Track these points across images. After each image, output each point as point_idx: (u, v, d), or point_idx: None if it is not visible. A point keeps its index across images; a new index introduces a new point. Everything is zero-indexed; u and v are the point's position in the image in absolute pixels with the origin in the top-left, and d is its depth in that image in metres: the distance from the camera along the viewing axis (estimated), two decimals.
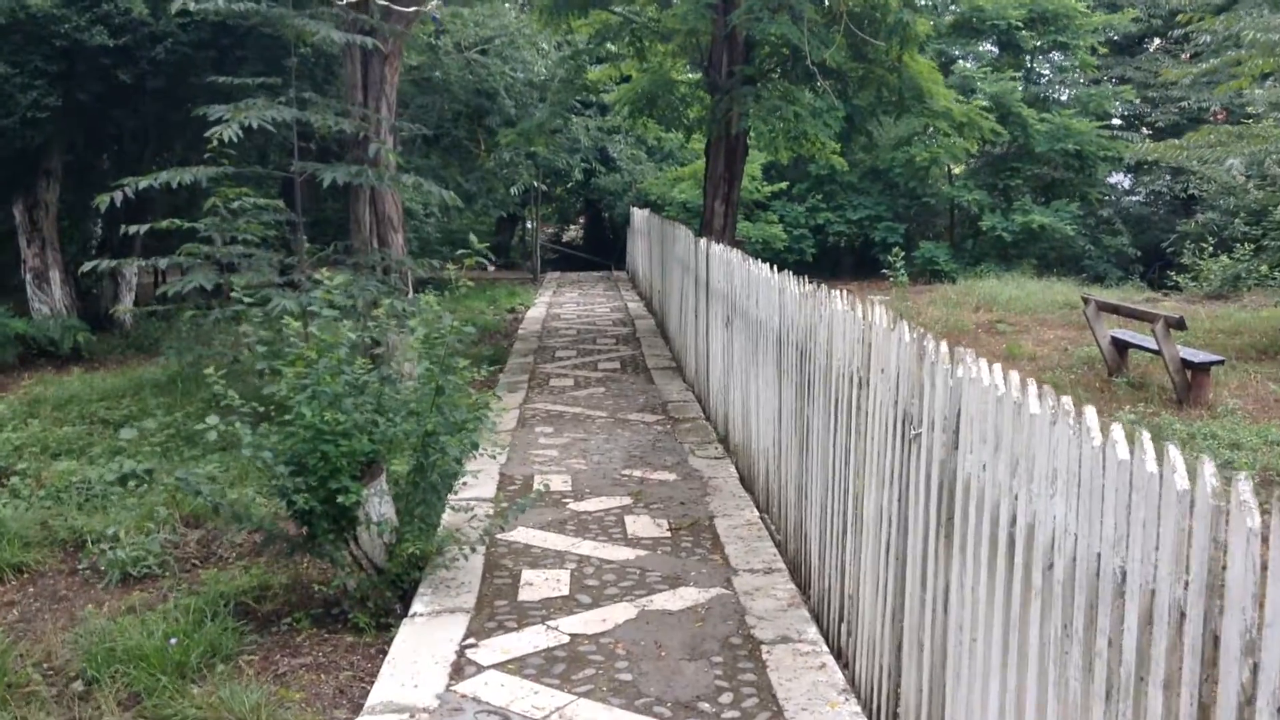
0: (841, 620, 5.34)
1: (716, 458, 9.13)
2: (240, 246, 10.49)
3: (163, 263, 10.38)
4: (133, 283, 19.72)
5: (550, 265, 31.94)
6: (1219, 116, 30.38)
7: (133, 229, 10.60)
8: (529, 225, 32.22)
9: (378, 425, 5.84)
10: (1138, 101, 28.12)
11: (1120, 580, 2.62)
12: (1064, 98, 29.55)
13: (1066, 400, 2.90)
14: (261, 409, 6.23)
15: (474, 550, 6.31)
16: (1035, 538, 3.08)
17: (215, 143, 9.39)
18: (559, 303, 21.66)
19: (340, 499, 5.61)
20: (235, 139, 9.67)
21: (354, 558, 6.06)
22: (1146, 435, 2.52)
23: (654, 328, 17.06)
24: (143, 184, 9.81)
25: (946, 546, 3.82)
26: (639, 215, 23.47)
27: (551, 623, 5.75)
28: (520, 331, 17.14)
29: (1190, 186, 27.17)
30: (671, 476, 8.58)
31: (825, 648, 5.40)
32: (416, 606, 5.94)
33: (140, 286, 21.44)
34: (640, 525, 7.37)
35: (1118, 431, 2.65)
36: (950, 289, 22.23)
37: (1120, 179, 30.99)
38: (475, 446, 6.08)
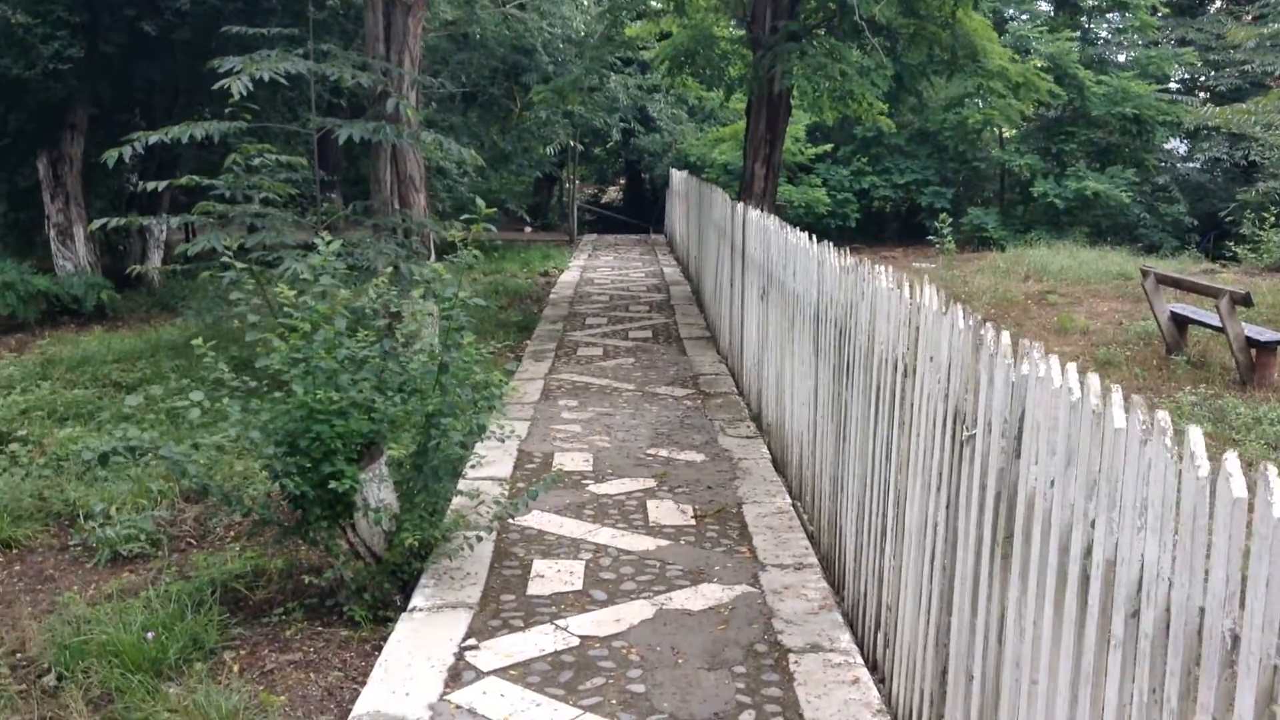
0: (878, 629, 4.83)
1: (748, 437, 8.61)
2: (257, 205, 10.05)
3: (175, 221, 9.94)
4: (161, 240, 19.41)
5: (587, 227, 31.40)
6: (1276, 83, 29.21)
7: (150, 186, 10.18)
8: (566, 186, 31.65)
9: (376, 404, 5.36)
10: (1199, 64, 26.97)
11: (1230, 647, 2.09)
12: (1121, 59, 28.48)
13: (1162, 416, 2.35)
14: (254, 383, 5.79)
15: (480, 539, 5.84)
16: (1117, 577, 2.54)
17: (236, 96, 8.94)
18: (593, 266, 21.14)
19: (334, 484, 5.15)
20: (249, 92, 9.19)
21: (351, 545, 5.61)
22: (1274, 471, 1.97)
23: (689, 295, 16.51)
24: (153, 139, 9.37)
25: (1003, 569, 3.29)
26: (678, 177, 22.85)
27: (561, 622, 5.28)
28: (552, 296, 16.65)
29: (1251, 153, 26.13)
30: (699, 457, 8.08)
31: (859, 658, 4.90)
32: (416, 600, 5.49)
33: (171, 244, 21.19)
34: (663, 511, 6.88)
35: (1232, 462, 2.11)
36: (999, 257, 21.46)
37: (1176, 145, 29.89)
38: (482, 430, 5.60)
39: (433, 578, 5.73)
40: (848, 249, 6.68)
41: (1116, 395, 2.59)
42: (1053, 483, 2.93)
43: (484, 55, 22.48)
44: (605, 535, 6.43)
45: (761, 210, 10.65)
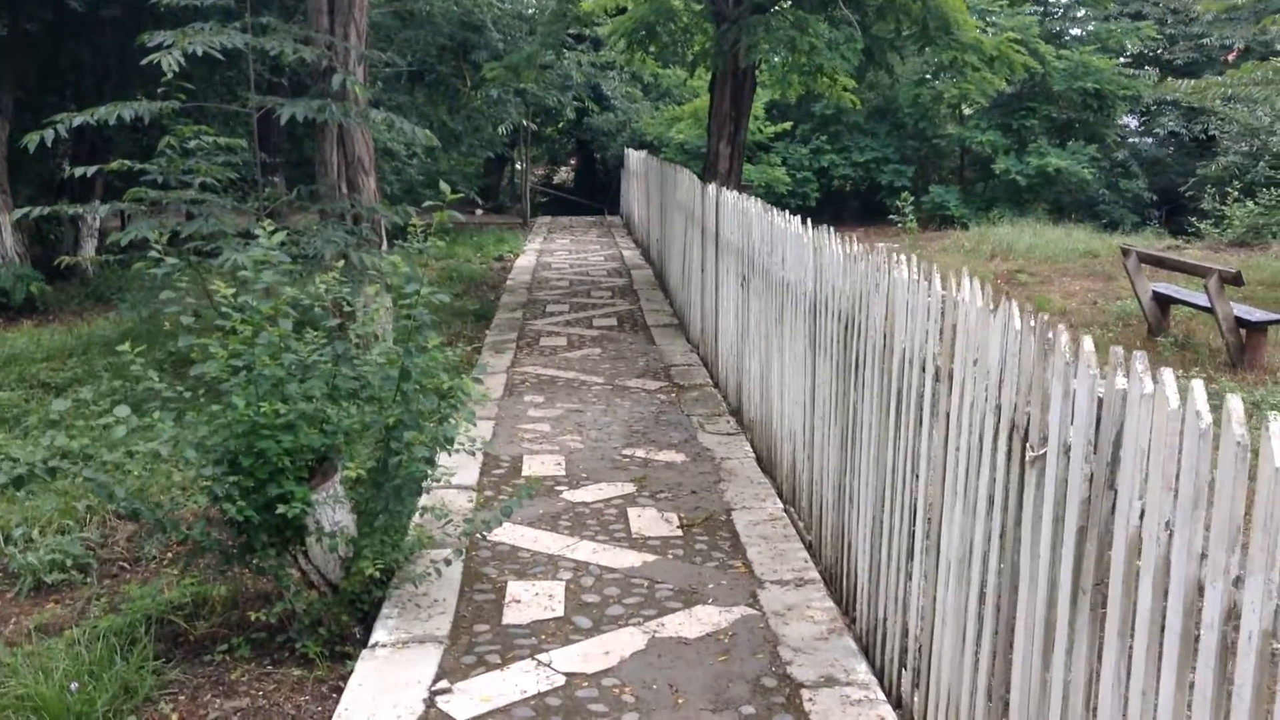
0: (903, 666, 4.30)
1: (729, 434, 8.06)
2: (193, 191, 9.34)
3: (104, 210, 9.18)
4: (95, 228, 18.52)
5: (541, 209, 30.67)
6: (1230, 57, 29.10)
7: (80, 171, 9.41)
8: (519, 167, 30.85)
9: (329, 415, 4.74)
10: (1157, 38, 26.74)
11: None
12: (1077, 33, 28.21)
13: None
14: (189, 393, 5.14)
15: (449, 563, 5.24)
16: None
17: (168, 72, 8.24)
18: (550, 250, 20.48)
19: (281, 509, 4.53)
20: (182, 70, 8.50)
21: (303, 573, 4.99)
22: None
23: (652, 279, 15.92)
24: (78, 121, 8.60)
25: (1094, 622, 2.76)
26: (635, 157, 22.22)
27: (543, 656, 4.70)
28: (509, 282, 15.99)
29: (1210, 127, 25.98)
30: (679, 457, 7.52)
31: (880, 693, 4.37)
32: (379, 634, 4.88)
33: (106, 233, 20.22)
34: (646, 520, 6.31)
35: None
36: (963, 235, 21.12)
37: (1128, 120, 29.71)
38: (449, 443, 4.98)
39: (396, 606, 5.12)
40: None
41: (1275, 426, 2.06)
42: (1167, 524, 2.39)
43: (431, 32, 21.66)
44: (585, 550, 5.86)
45: (728, 190, 10.09)
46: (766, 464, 7.27)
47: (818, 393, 5.72)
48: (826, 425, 5.53)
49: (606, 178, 31.11)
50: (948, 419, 3.81)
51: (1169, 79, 26.85)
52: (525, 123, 25.62)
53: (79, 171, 9.50)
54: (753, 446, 7.71)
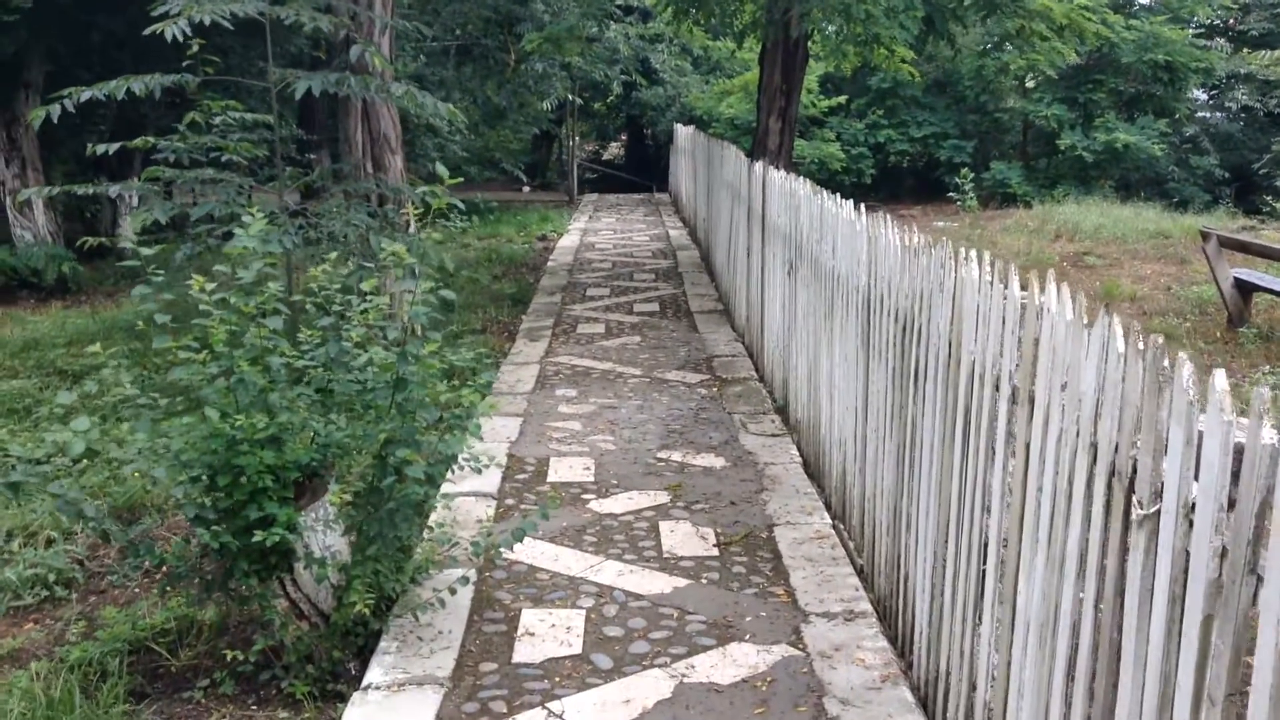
0: None
1: (773, 435, 7.45)
2: (212, 170, 8.89)
3: (115, 189, 8.73)
4: (134, 206, 18.23)
5: (588, 186, 30.06)
6: None
7: (103, 148, 8.97)
8: (566, 143, 30.25)
9: (316, 428, 4.20)
10: (1232, 6, 25.50)
11: None
12: (1145, 1, 26.97)
13: None
14: (171, 399, 4.64)
15: (454, 592, 4.69)
16: None
17: (170, 41, 7.79)
18: (594, 229, 19.89)
19: (259, 536, 4.00)
20: (211, 42, 8.06)
21: (291, 602, 4.48)
22: None
23: (698, 260, 15.28)
24: (85, 95, 8.16)
25: None
26: (683, 133, 21.53)
27: (555, 705, 4.14)
28: (549, 264, 15.43)
29: None
30: (719, 462, 6.92)
31: None
32: (373, 673, 4.35)
33: None
34: (679, 537, 5.73)
35: None
36: (1025, 214, 20.20)
37: (1197, 94, 28.44)
38: (452, 460, 4.42)
39: (396, 639, 4.59)
40: (863, 207, 5.58)
41: None
42: None
43: (476, 4, 21.11)
44: (610, 572, 5.29)
45: (778, 167, 9.44)
46: (814, 470, 6.66)
47: (871, 400, 5.09)
48: (881, 438, 4.90)
49: (656, 154, 30.44)
50: (1027, 451, 3.18)
51: (1244, 50, 25.68)
52: (571, 97, 24.98)
53: (102, 148, 9.07)
54: (799, 450, 7.10)
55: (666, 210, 23.05)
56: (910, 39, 11.57)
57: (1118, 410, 2.62)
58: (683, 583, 5.18)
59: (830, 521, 5.91)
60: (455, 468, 4.63)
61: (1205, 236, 11.26)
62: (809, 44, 13.60)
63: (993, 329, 3.45)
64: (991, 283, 3.50)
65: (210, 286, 4.42)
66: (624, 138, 36.06)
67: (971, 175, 22.21)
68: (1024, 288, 3.27)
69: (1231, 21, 28.01)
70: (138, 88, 8.21)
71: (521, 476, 6.65)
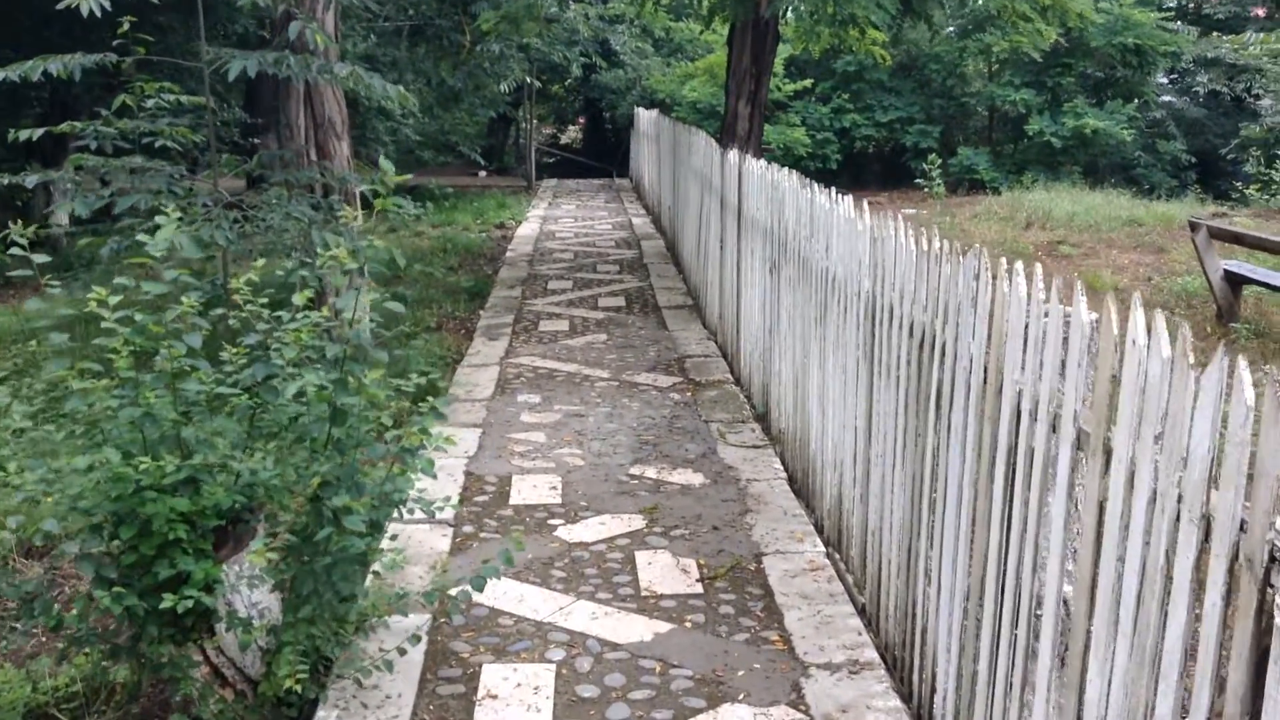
0: None
1: (755, 446, 6.87)
2: (140, 158, 8.18)
3: (34, 179, 7.99)
4: (70, 194, 17.31)
5: (547, 170, 29.32)
6: (1259, 12, 27.51)
7: (25, 134, 8.20)
8: (524, 126, 29.45)
9: (236, 468, 3.56)
10: None
11: None
12: None
13: None
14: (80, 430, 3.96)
15: (403, 653, 4.06)
16: None
17: (86, 15, 7.09)
18: (554, 217, 19.21)
19: (168, 601, 3.36)
20: (153, 21, 7.33)
21: (213, 667, 3.84)
22: None
23: (663, 251, 14.67)
24: None
25: None
26: (645, 117, 20.88)
27: None
28: (508, 254, 14.75)
29: (1255, 86, 24.53)
30: (697, 479, 6.33)
31: None
32: None
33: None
34: (658, 570, 5.14)
35: None
36: (994, 201, 19.76)
37: (1160, 78, 28.14)
38: (399, 503, 3.79)
39: (336, 707, 3.95)
40: (866, 203, 5.14)
41: None
42: None
43: None
44: (582, 615, 4.69)
45: (748, 154, 8.85)
46: (801, 487, 6.09)
47: (877, 421, 4.51)
48: (889, 465, 4.33)
49: (616, 138, 29.74)
50: (1100, 511, 2.61)
51: (1212, 34, 25.41)
52: (529, 80, 24.22)
53: (25, 134, 8.30)
54: (783, 463, 6.53)
55: (628, 196, 22.41)
56: (888, 20, 11.02)
57: (1243, 479, 2.06)
58: (664, 627, 4.59)
59: (824, 549, 5.34)
60: (404, 508, 3.99)
61: (1194, 227, 10.82)
62: (779, 25, 13.00)
63: (1049, 357, 2.88)
64: (1045, 300, 2.93)
65: (115, 300, 3.76)
66: (582, 121, 35.30)
67: (938, 161, 21.75)
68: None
69: (1193, 5, 27.76)
70: (54, 68, 7.48)
71: (481, 499, 6.02)
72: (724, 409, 7.63)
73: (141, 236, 3.78)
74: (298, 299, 3.77)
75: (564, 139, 36.31)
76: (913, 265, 4.01)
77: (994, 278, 3.28)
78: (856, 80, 23.80)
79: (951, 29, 23.43)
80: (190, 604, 3.35)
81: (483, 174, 27.41)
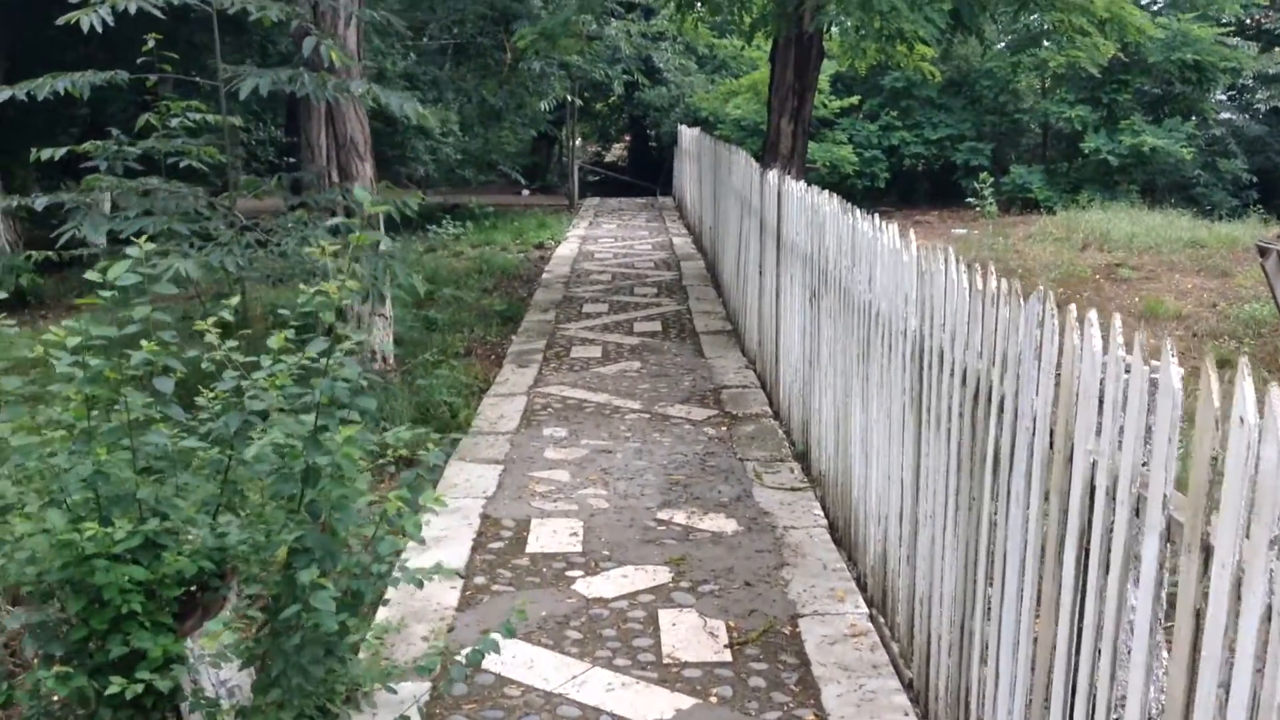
0: None
1: (793, 489, 6.41)
2: (156, 179, 7.93)
3: (44, 201, 7.73)
4: (105, 210, 17.22)
5: (590, 189, 29.03)
6: None
7: (48, 154, 7.97)
8: (567, 145, 29.19)
9: (192, 535, 3.17)
10: (1262, 3, 24.40)
11: None
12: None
13: None
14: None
15: None
16: None
17: (87, 31, 6.89)
18: (594, 236, 18.85)
19: (113, 687, 2.96)
20: (187, 39, 7.10)
21: None
22: None
23: (703, 272, 14.24)
24: (3, 96, 7.21)
25: None
26: (687, 135, 20.49)
27: None
28: (544, 276, 14.38)
29: None
30: (729, 525, 5.88)
31: None
32: None
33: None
34: (683, 633, 4.69)
35: None
36: (1049, 221, 19.14)
37: (1219, 95, 27.31)
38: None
39: None
40: (878, 213, 4.86)
41: None
42: None
43: (471, 1, 20.07)
44: (597, 686, 4.25)
45: (790, 173, 8.42)
46: (843, 537, 5.62)
47: (925, 478, 4.05)
48: (939, 527, 3.86)
49: (659, 156, 29.39)
50: (1198, 619, 2.15)
51: (1276, 49, 24.61)
52: (571, 98, 23.92)
53: (47, 154, 8.08)
54: (824, 508, 6.07)
55: (670, 215, 22.02)
56: (936, 34, 10.53)
57: None
58: (687, 702, 4.14)
59: (867, 610, 4.87)
60: (425, 523, 3.58)
61: (1263, 252, 10.21)
62: (824, 40, 12.55)
63: (1132, 427, 2.41)
64: (1127, 356, 2.46)
65: (73, 341, 3.39)
66: (627, 139, 35.00)
67: (990, 180, 21.16)
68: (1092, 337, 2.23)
69: (1255, 20, 26.93)
70: (63, 86, 7.24)
71: (496, 545, 5.61)
72: (761, 446, 7.17)
73: (90, 274, 3.41)
74: (273, 342, 3.37)
75: (608, 157, 36.03)
76: (966, 304, 3.55)
77: (1062, 327, 2.82)
78: (905, 97, 23.28)
79: (1002, 44, 22.84)
80: (140, 689, 2.95)
81: (525, 193, 27.15)
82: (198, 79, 7.78)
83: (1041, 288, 2.98)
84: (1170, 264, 15.04)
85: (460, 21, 20.57)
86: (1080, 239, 16.98)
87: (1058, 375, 2.84)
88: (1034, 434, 2.97)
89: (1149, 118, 22.58)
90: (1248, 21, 27.67)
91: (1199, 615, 2.15)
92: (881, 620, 4.74)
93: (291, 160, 18.39)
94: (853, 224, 5.27)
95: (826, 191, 6.14)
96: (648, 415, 7.90)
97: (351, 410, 3.40)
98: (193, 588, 3.42)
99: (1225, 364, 9.59)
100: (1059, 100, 22.60)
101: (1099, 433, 2.59)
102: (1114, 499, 2.50)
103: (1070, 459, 2.74)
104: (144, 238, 3.88)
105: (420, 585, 3.28)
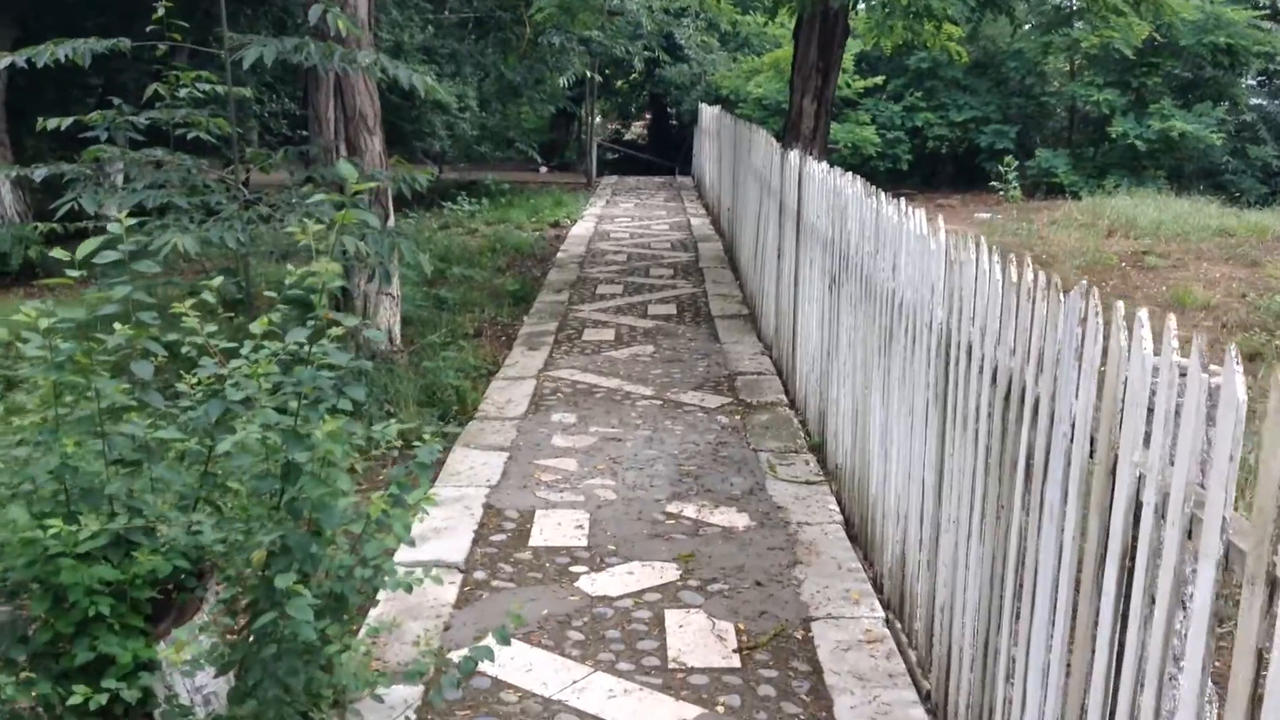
0: None
1: (808, 481, 6.18)
2: (160, 150, 7.75)
3: (42, 172, 7.54)
4: (119, 182, 17.08)
5: (609, 167, 28.76)
6: None
7: (54, 123, 7.78)
8: (586, 122, 28.87)
9: (164, 532, 2.96)
10: None
11: None
12: None
13: None
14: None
15: None
16: None
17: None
18: (611, 215, 18.59)
19: (75, 697, 2.77)
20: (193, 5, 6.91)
21: None
22: None
23: (720, 254, 13.98)
24: (3, 63, 7.02)
25: None
26: (708, 113, 20.18)
27: None
28: (559, 255, 14.15)
29: None
30: (741, 519, 5.66)
31: None
32: None
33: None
34: (690, 635, 4.47)
35: None
36: (1074, 207, 18.78)
37: (1248, 80, 26.75)
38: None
39: None
40: (901, 196, 4.64)
41: None
42: None
43: None
44: (598, 692, 4.04)
45: (812, 154, 8.15)
46: (859, 534, 5.40)
47: (949, 480, 3.81)
48: (962, 534, 3.63)
49: (680, 135, 29.07)
50: (1259, 660, 1.91)
51: None
52: (591, 74, 23.61)
53: (54, 123, 7.90)
54: (839, 503, 5.84)
55: (689, 195, 21.73)
56: (967, 13, 10.22)
57: None
58: (692, 712, 3.92)
59: (883, 614, 4.65)
60: (424, 514, 3.38)
61: None
62: (849, 18, 12.24)
63: (1186, 440, 2.17)
64: (1180, 361, 2.22)
65: (46, 322, 3.19)
66: (647, 117, 34.67)
67: (1015, 163, 20.79)
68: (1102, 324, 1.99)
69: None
70: (64, 53, 7.03)
71: (498, 538, 5.40)
72: (775, 436, 6.94)
73: (56, 251, 3.21)
74: (255, 327, 3.15)
75: (628, 135, 35.71)
76: (998, 298, 3.31)
77: (1106, 325, 2.57)
78: (930, 78, 22.89)
79: (1029, 24, 22.38)
80: (103, 702, 2.76)
81: (543, 170, 26.89)
82: (207, 49, 7.57)
83: (1085, 282, 2.74)
84: (1198, 252, 14.68)
85: None
86: (1106, 225, 16.62)
87: (1100, 377, 2.60)
88: (1072, 441, 2.73)
89: (1178, 102, 22.13)
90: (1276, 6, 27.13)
91: (1261, 655, 1.92)
92: (899, 625, 4.52)
93: (305, 134, 18.19)
94: (876, 208, 5.02)
95: (850, 174, 5.89)
96: (659, 402, 7.68)
97: (343, 399, 3.19)
98: (169, 586, 3.23)
99: (1256, 356, 9.30)
100: (1087, 83, 22.16)
101: (1147, 444, 2.35)
102: (1163, 518, 2.26)
103: (1113, 471, 2.50)
104: (124, 213, 3.68)
105: (409, 590, 3.07)
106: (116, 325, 3.11)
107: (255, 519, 3.08)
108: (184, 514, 3.09)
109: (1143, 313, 2.40)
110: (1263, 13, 23.45)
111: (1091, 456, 2.63)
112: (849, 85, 21.92)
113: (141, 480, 3.10)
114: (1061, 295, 2.83)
